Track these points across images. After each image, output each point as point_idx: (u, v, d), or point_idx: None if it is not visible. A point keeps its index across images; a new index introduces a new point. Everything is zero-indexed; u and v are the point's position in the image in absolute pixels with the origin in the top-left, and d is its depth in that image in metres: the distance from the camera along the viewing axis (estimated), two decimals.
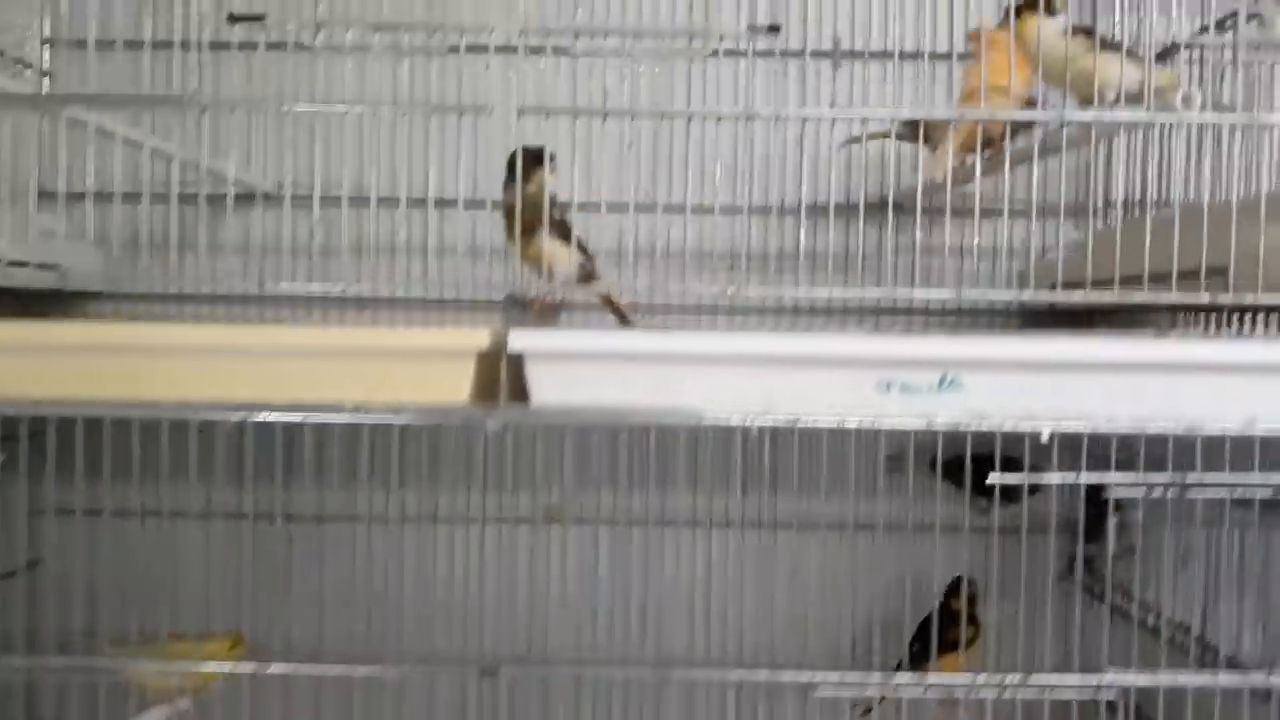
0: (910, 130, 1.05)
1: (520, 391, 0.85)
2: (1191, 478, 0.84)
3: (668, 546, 1.27)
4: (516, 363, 0.85)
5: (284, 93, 0.95)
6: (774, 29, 0.85)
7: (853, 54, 1.12)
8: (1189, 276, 0.89)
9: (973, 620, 1.16)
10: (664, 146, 1.14)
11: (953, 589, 1.19)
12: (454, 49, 0.94)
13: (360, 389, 0.85)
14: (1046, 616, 1.16)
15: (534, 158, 1.00)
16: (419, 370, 0.85)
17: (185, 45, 1.00)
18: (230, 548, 1.23)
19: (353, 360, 0.86)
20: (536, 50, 0.97)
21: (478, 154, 0.98)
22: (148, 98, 1.04)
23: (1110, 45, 0.93)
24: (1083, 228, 1.25)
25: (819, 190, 1.08)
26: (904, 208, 1.08)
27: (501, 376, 0.85)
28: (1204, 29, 1.00)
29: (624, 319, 1.09)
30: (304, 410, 0.84)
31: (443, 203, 1.05)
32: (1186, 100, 0.79)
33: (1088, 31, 0.94)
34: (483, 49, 0.91)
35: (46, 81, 1.26)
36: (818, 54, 0.99)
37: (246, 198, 1.20)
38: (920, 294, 0.93)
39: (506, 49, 0.91)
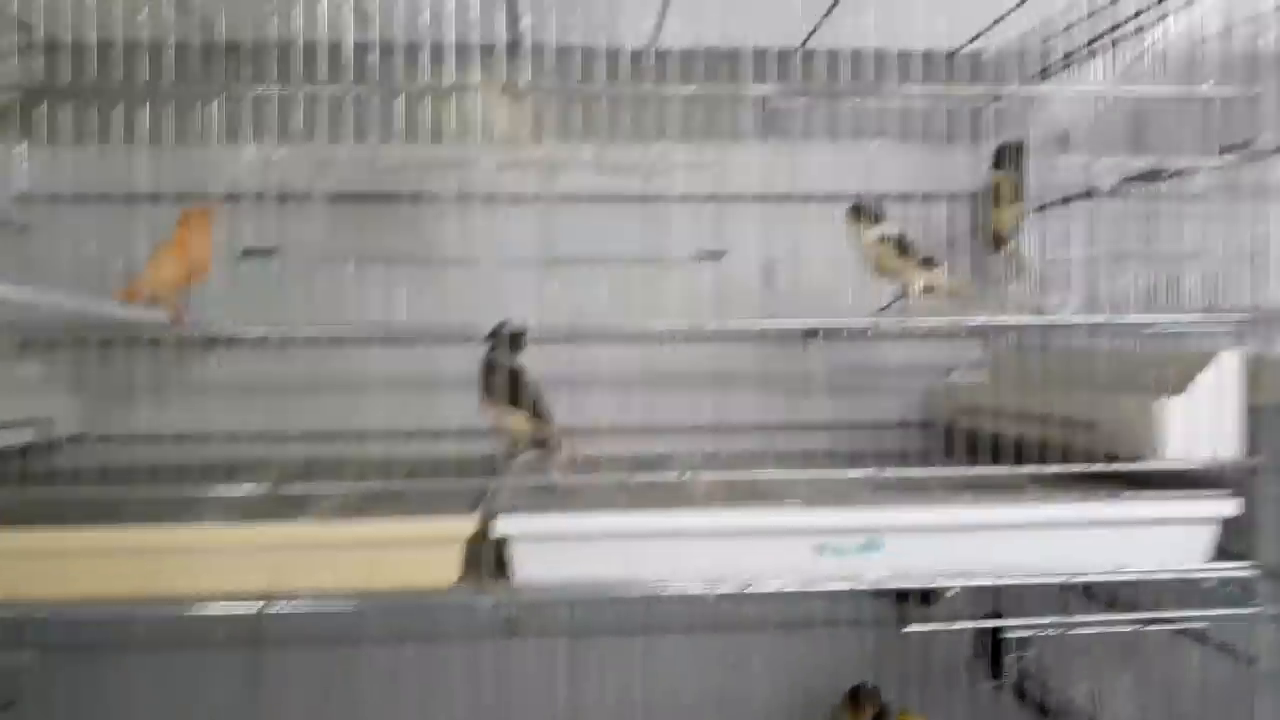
0: None
1: (500, 562, 0.97)
2: (1076, 618, 1.00)
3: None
4: (499, 542, 0.97)
5: None
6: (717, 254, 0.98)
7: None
8: (1071, 425, 1.07)
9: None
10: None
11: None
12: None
13: (358, 576, 0.96)
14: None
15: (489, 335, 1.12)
16: (413, 557, 0.96)
17: None
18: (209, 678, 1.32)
19: (350, 551, 0.97)
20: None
21: None
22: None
23: (908, 250, 1.15)
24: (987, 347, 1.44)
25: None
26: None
27: (486, 558, 0.97)
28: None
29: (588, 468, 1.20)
30: (312, 601, 0.95)
31: None
32: (1060, 306, 0.95)
33: (893, 238, 1.16)
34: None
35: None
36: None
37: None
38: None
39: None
